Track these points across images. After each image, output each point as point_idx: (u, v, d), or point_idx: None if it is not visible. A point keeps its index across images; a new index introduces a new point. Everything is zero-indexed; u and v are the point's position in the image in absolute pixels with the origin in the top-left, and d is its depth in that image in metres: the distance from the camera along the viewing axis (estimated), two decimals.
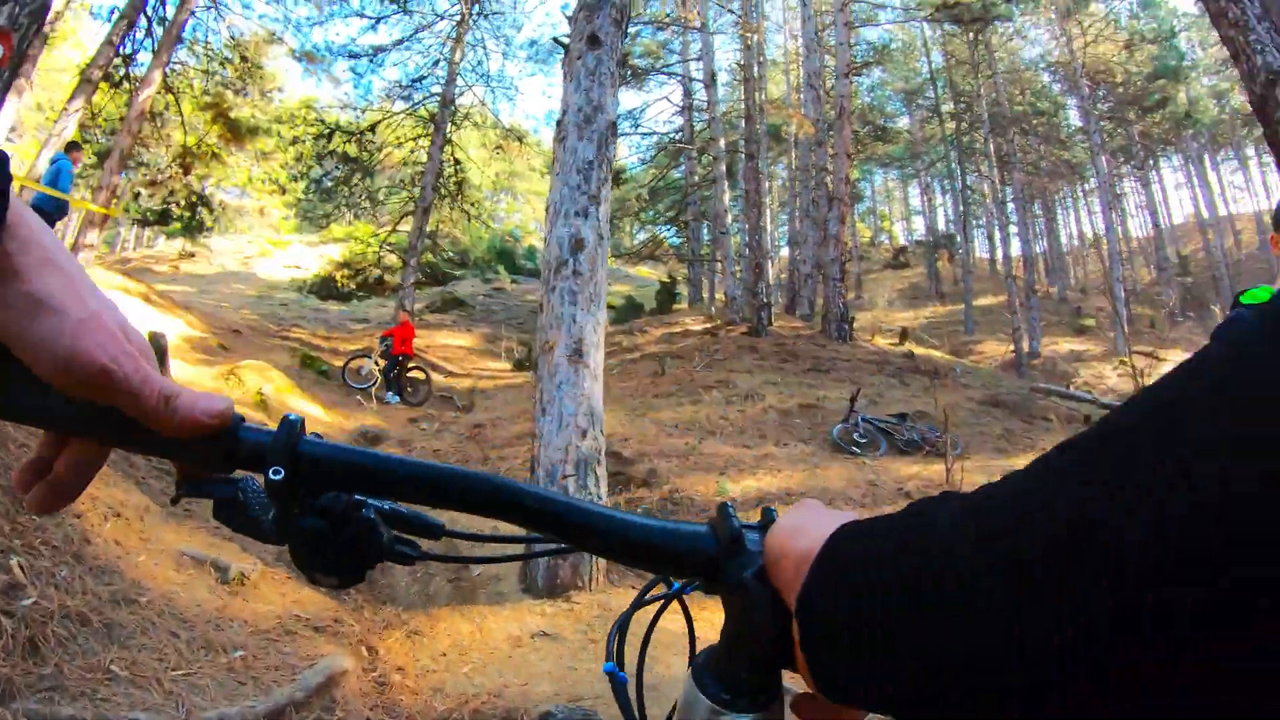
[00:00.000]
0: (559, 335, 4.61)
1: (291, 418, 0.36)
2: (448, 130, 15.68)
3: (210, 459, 0.36)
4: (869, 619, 0.25)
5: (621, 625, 0.44)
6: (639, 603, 0.46)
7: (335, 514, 0.35)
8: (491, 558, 0.48)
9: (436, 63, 16.57)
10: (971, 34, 20.47)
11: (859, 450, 7.49)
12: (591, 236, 4.66)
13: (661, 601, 0.46)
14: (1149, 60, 24.00)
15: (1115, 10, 24.05)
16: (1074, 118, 27.31)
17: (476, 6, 16.15)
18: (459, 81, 16.08)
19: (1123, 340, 16.95)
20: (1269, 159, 23.67)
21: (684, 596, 0.45)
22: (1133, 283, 29.97)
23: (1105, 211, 23.35)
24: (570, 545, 0.39)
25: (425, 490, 0.36)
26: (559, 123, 5.13)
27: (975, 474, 6.61)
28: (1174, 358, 16.52)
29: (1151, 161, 32.50)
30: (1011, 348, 18.58)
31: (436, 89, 16.28)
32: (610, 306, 21.35)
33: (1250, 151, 36.30)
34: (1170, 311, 24.45)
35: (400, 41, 16.74)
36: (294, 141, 17.72)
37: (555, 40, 5.82)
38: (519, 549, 0.77)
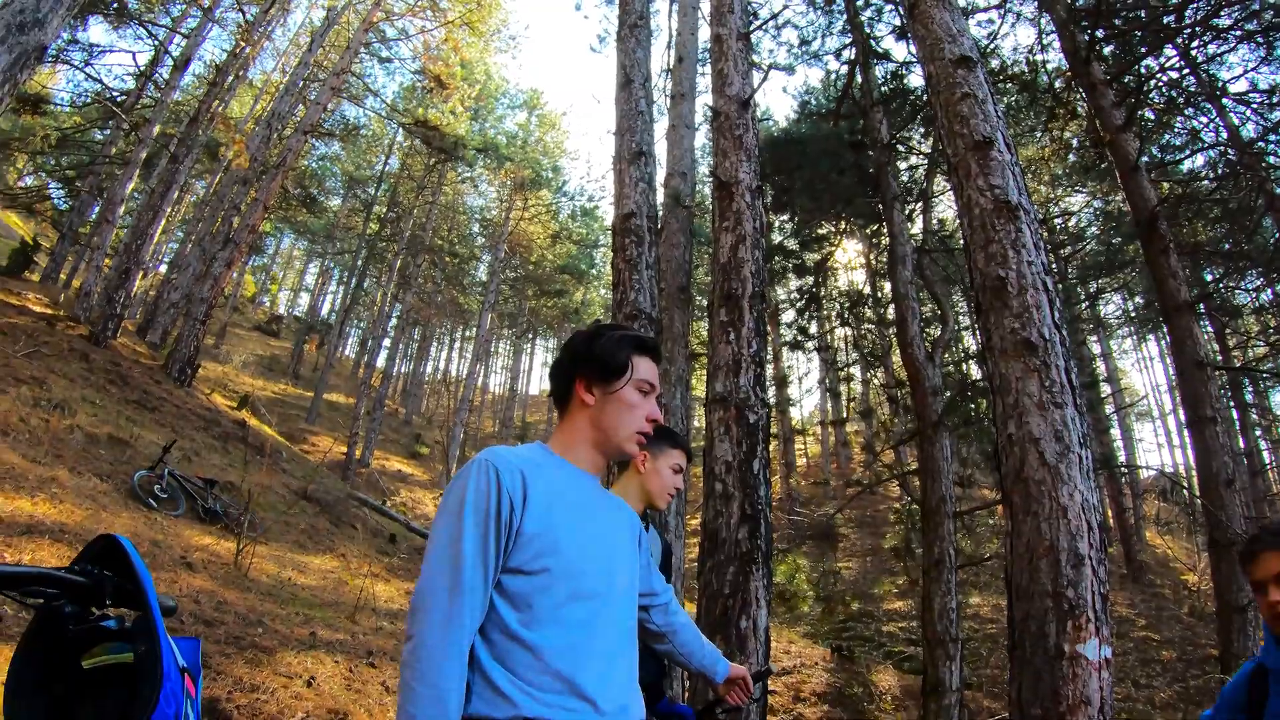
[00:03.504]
0: None
1: None
2: None
3: None
4: None
5: None
6: None
7: None
8: None
9: None
10: (433, 160, 21.19)
11: (156, 505, 6.95)
12: None
13: None
14: (565, 255, 26.70)
15: (558, 204, 26.46)
16: (482, 271, 29.01)
17: None
18: None
19: (447, 477, 18.80)
20: None
21: None
22: (475, 429, 31.90)
23: (474, 360, 24.86)
24: None
25: None
26: None
27: (267, 562, 6.58)
28: None
29: (531, 335, 36.05)
30: (345, 449, 18.30)
31: None
32: None
33: None
34: None
35: None
36: None
37: None
38: None
